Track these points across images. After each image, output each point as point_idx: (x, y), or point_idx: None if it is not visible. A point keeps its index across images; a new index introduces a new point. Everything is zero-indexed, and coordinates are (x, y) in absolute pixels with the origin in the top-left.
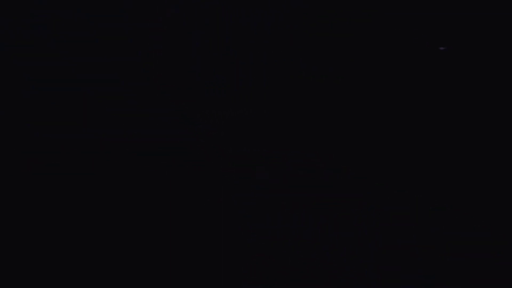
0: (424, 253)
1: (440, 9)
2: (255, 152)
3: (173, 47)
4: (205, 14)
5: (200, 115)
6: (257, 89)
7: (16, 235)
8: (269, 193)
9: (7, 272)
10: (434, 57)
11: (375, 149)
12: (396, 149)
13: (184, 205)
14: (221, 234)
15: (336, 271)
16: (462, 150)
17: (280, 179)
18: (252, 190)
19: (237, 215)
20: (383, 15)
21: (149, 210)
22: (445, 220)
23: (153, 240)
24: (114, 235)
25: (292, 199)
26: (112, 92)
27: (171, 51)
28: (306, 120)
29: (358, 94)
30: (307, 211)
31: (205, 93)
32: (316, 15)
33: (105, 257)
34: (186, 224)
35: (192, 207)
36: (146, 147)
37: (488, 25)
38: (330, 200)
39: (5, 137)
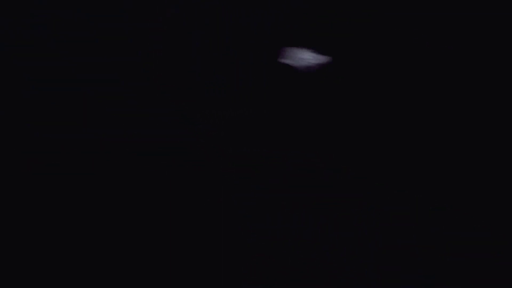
0: (424, 253)
1: (439, 9)
2: (255, 152)
3: (173, 47)
4: (205, 14)
5: (200, 115)
6: (257, 89)
7: (16, 235)
8: (269, 193)
9: (7, 272)
10: (434, 57)
11: (375, 149)
12: (396, 149)
13: (184, 205)
14: (221, 234)
15: (336, 271)
16: (462, 150)
17: (280, 179)
18: (252, 190)
19: (237, 215)
20: (383, 15)
21: (149, 210)
22: (445, 220)
23: (153, 240)
24: (114, 235)
25: (292, 199)
26: (112, 92)
27: (171, 51)
28: (306, 120)
29: (358, 94)
30: (307, 211)
31: (205, 93)
32: (316, 15)
33: (105, 257)
34: (186, 224)
35: (192, 207)
36: (146, 147)
37: (488, 25)
38: (330, 200)
39: (5, 137)
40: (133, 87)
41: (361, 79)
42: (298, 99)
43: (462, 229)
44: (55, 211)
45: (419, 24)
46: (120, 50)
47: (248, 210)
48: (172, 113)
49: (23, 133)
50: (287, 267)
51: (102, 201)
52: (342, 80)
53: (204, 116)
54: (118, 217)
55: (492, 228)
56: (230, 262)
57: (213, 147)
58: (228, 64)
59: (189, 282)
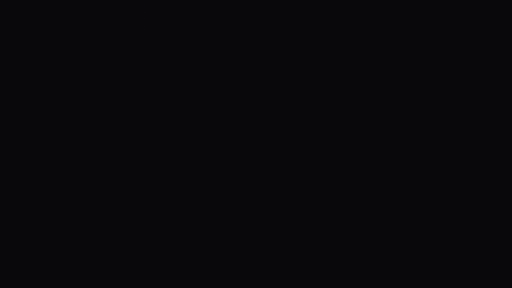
0: (424, 253)
1: (439, 9)
2: (255, 152)
3: (173, 46)
4: (205, 14)
5: (200, 115)
6: (257, 89)
7: (16, 235)
8: (269, 193)
9: (7, 272)
10: (433, 57)
11: (375, 149)
12: (395, 149)
13: (184, 205)
14: (221, 234)
15: (336, 271)
16: (461, 150)
17: (280, 179)
18: (252, 190)
19: (237, 215)
20: (383, 15)
21: (149, 210)
22: (445, 220)
23: (152, 240)
24: (113, 235)
25: (293, 199)
26: (112, 92)
27: (171, 51)
28: (306, 120)
29: (358, 94)
30: (307, 211)
31: (205, 93)
32: (315, 15)
33: (105, 257)
34: (186, 224)
35: (191, 207)
36: (146, 147)
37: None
38: (330, 200)
39: (5, 137)
40: (134, 87)
41: (361, 79)
42: (298, 99)
43: (462, 229)
44: (55, 211)
45: (418, 23)
46: (120, 50)
47: (248, 210)
48: (171, 114)
49: (22, 133)
50: (287, 267)
51: (101, 201)
52: (342, 81)
53: (204, 116)
54: (117, 217)
55: (492, 228)
56: (230, 262)
57: (212, 147)
58: (228, 64)
59: (189, 282)
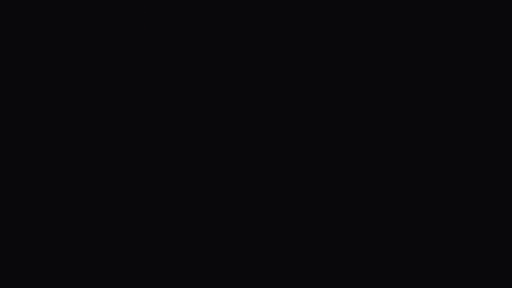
0: (424, 253)
1: (439, 8)
2: (255, 152)
3: (173, 47)
4: (205, 14)
5: (200, 114)
6: (257, 89)
7: (16, 235)
8: (269, 193)
9: (7, 273)
10: (433, 57)
11: (375, 149)
12: (395, 149)
13: (184, 205)
14: (221, 234)
15: (336, 271)
16: (461, 150)
17: (280, 179)
18: (252, 190)
19: (237, 215)
20: (383, 15)
21: (149, 210)
22: (445, 220)
23: (152, 240)
24: (113, 235)
25: (293, 199)
26: (112, 92)
27: (171, 51)
28: (305, 120)
29: (358, 94)
30: (307, 211)
31: (205, 93)
32: (315, 15)
33: (104, 257)
34: (186, 224)
35: (191, 207)
36: (146, 147)
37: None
38: (330, 200)
39: (5, 137)
40: (134, 87)
41: (360, 79)
42: (298, 99)
43: (462, 229)
44: (55, 211)
45: (418, 23)
46: (120, 50)
47: (248, 210)
48: (172, 113)
49: (22, 133)
50: (287, 267)
51: (101, 202)
52: (342, 81)
53: (204, 116)
54: (117, 217)
55: (492, 228)
56: (230, 262)
57: (213, 147)
58: (228, 64)
59: (189, 282)
